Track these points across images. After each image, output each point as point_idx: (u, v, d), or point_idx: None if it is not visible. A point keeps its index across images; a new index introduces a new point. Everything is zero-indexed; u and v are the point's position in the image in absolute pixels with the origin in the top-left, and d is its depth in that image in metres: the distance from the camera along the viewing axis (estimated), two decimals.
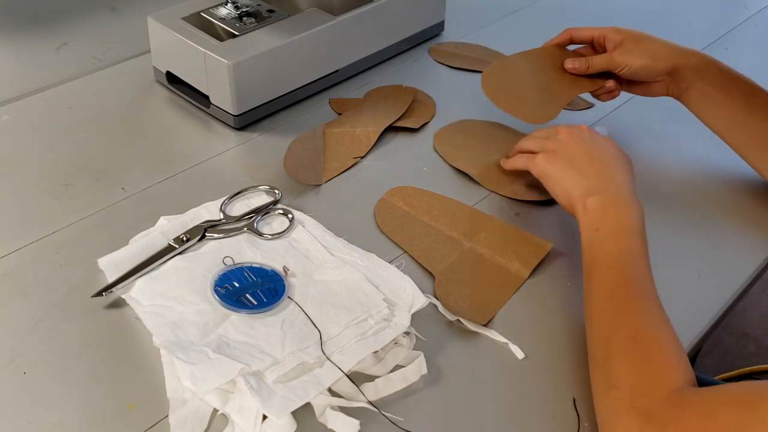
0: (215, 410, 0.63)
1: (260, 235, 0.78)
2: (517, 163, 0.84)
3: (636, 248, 0.69)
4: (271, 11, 0.99)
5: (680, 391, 0.59)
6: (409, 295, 0.72)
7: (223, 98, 0.93)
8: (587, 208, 0.73)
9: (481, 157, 0.91)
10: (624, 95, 1.03)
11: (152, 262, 0.73)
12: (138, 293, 0.71)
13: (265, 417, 0.61)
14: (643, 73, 0.88)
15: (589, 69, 0.90)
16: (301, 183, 0.86)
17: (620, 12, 1.23)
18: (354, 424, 0.62)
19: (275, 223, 0.80)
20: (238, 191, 0.83)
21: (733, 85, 0.87)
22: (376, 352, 0.67)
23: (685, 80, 0.87)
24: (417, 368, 0.66)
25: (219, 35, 0.94)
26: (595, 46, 0.93)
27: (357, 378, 0.65)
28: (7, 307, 0.71)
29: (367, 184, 0.87)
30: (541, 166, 0.79)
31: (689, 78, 0.87)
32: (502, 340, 0.70)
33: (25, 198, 0.83)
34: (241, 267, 0.73)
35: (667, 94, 0.91)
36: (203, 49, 0.91)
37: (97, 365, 0.66)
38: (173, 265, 0.74)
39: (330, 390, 0.64)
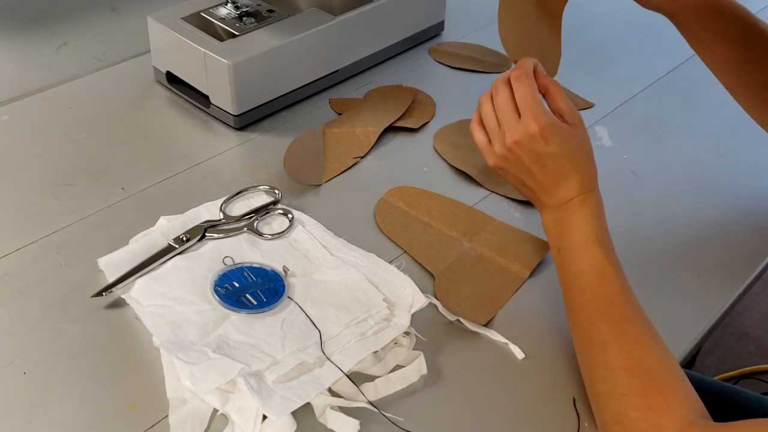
0: (215, 410, 0.63)
1: (260, 235, 0.78)
2: (475, 138, 0.75)
3: (602, 259, 0.66)
4: (271, 11, 0.99)
5: (690, 427, 0.56)
6: (409, 295, 0.72)
7: (223, 98, 0.93)
8: (544, 226, 0.71)
9: (481, 157, 0.90)
10: (624, 95, 1.03)
11: (152, 262, 0.73)
12: (138, 293, 0.71)
13: (265, 417, 0.61)
14: None
15: None
16: (301, 183, 0.86)
17: (620, 12, 1.23)
18: (354, 424, 0.62)
19: (275, 223, 0.80)
20: (238, 191, 0.83)
21: (731, 29, 0.77)
22: (376, 352, 0.67)
23: (678, 18, 0.78)
24: (417, 368, 0.66)
25: (219, 35, 0.94)
26: None
27: (357, 378, 0.65)
28: (7, 307, 0.71)
29: (367, 184, 0.87)
30: (492, 166, 0.74)
31: (683, 18, 0.77)
32: (502, 340, 0.70)
33: (25, 198, 0.83)
34: (241, 267, 0.73)
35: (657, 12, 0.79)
36: (203, 49, 0.91)
37: (97, 365, 0.66)
38: (173, 265, 0.74)
39: (330, 390, 0.64)
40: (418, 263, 0.77)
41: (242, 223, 0.79)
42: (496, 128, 0.72)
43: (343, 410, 0.63)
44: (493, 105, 0.72)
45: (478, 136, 0.74)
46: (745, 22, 0.78)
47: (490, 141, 0.73)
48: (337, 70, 1.02)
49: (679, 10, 0.76)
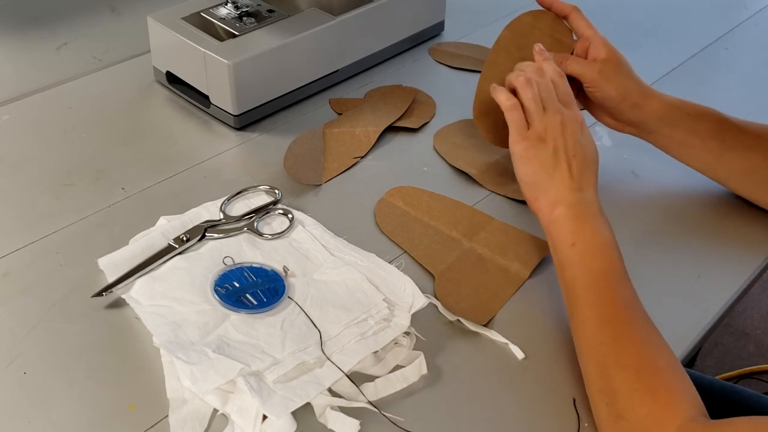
0: (215, 410, 0.63)
1: (260, 235, 0.78)
2: (500, 99, 0.75)
3: (617, 264, 0.67)
4: (271, 11, 0.99)
5: (692, 423, 0.58)
6: (409, 295, 0.72)
7: (223, 98, 0.93)
8: (555, 219, 0.70)
9: (481, 157, 0.91)
10: None
11: (152, 262, 0.73)
12: (138, 293, 0.71)
13: (265, 417, 0.61)
14: (607, 104, 0.82)
15: (561, 64, 0.80)
16: (301, 183, 0.86)
17: (621, 12, 1.23)
18: (354, 424, 0.62)
19: (275, 223, 0.80)
20: (238, 191, 0.83)
21: (702, 124, 0.81)
22: (376, 352, 0.67)
23: (650, 127, 0.83)
24: (417, 368, 0.66)
25: (219, 35, 0.94)
26: (577, 47, 0.83)
27: (357, 378, 0.65)
28: (7, 307, 0.71)
29: (367, 184, 0.87)
30: (521, 149, 0.73)
31: (654, 125, 0.82)
32: (502, 340, 0.70)
33: (25, 198, 0.83)
34: (241, 267, 0.73)
35: (631, 134, 0.86)
36: (203, 49, 0.91)
37: (97, 365, 0.66)
38: (173, 265, 0.74)
39: (330, 390, 0.64)
40: (418, 263, 0.77)
41: (242, 223, 0.79)
42: (540, 106, 0.74)
43: (343, 410, 0.63)
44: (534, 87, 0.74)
45: (516, 116, 0.74)
46: (713, 116, 0.82)
47: (527, 124, 0.74)
48: (337, 70, 1.02)
49: (649, 118, 0.82)
